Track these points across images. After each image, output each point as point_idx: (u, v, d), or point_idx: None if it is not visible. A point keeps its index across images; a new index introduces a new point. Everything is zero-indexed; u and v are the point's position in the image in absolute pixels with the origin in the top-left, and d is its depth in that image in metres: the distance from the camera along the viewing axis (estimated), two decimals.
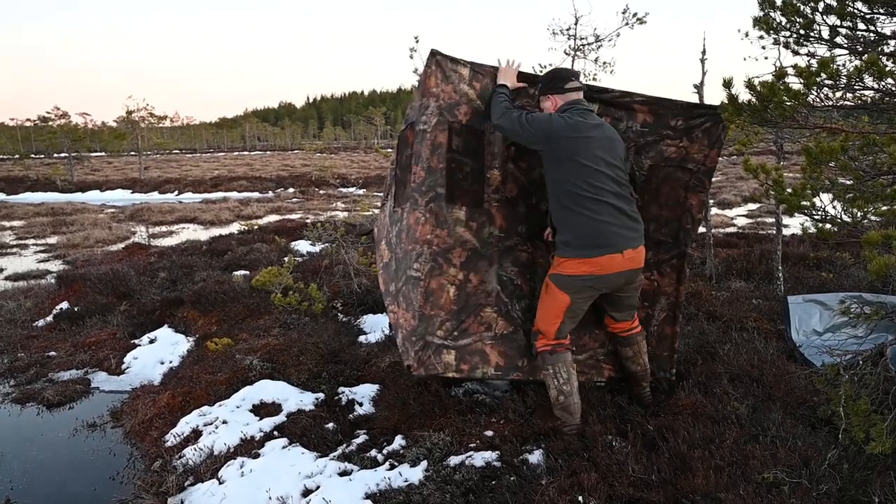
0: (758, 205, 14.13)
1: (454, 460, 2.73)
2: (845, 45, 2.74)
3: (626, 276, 2.87)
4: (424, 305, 2.94)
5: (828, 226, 2.64)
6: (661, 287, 3.30)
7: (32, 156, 48.30)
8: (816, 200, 2.63)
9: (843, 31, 2.72)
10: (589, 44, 5.92)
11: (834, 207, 2.64)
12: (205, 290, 6.00)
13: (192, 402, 3.84)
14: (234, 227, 12.73)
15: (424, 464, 2.74)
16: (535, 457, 2.72)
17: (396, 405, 3.36)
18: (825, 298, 4.10)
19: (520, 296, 3.18)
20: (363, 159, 40.66)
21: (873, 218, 2.69)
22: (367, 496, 2.61)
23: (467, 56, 3.03)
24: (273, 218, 14.45)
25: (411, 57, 5.74)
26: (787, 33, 2.82)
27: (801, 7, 2.70)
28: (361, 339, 4.74)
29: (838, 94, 2.42)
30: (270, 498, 2.73)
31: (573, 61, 5.94)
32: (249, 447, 3.20)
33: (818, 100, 2.40)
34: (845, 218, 2.60)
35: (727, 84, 2.59)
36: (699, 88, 5.45)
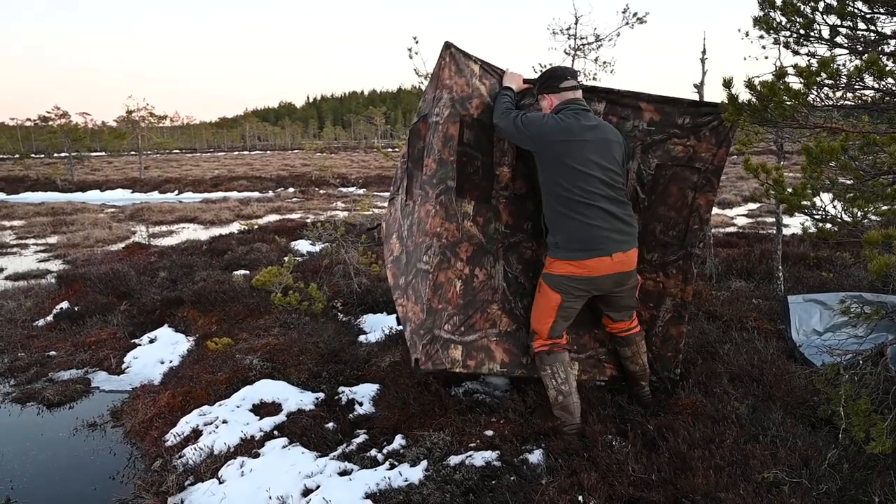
0: (758, 204, 14.14)
1: (454, 460, 2.73)
2: (845, 45, 2.74)
3: (615, 279, 2.86)
4: (433, 299, 2.94)
5: (828, 225, 2.64)
6: (666, 288, 3.26)
7: (32, 155, 48.41)
8: (817, 200, 2.63)
9: (844, 30, 2.72)
10: (589, 43, 5.93)
11: (834, 207, 2.64)
12: (205, 290, 6.00)
13: (193, 401, 3.84)
14: (235, 227, 12.73)
15: (424, 463, 2.74)
16: (535, 456, 2.72)
17: (396, 405, 3.36)
18: (825, 298, 4.10)
19: (522, 293, 3.18)
20: (363, 159, 40.68)
21: (873, 217, 2.68)
22: (367, 496, 2.61)
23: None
24: (273, 218, 14.46)
25: (410, 57, 5.74)
26: (788, 33, 2.82)
27: (802, 7, 2.70)
28: (361, 338, 4.73)
29: (838, 94, 2.42)
30: (270, 497, 2.73)
31: (573, 61, 5.94)
32: (249, 447, 3.20)
33: (818, 99, 2.40)
34: (845, 217, 2.60)
35: (727, 84, 2.59)
36: (699, 88, 5.45)
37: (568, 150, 2.77)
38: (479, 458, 2.72)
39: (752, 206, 14.51)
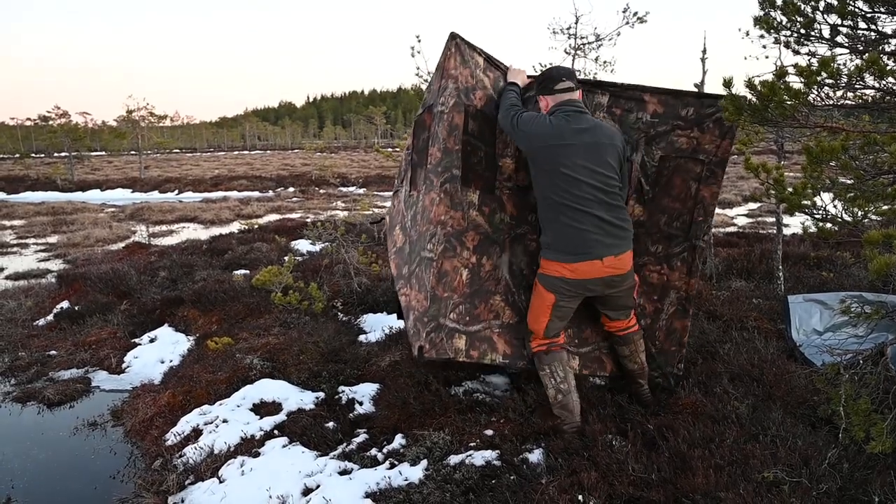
0: (758, 204, 14.16)
1: (454, 459, 2.73)
2: (846, 45, 2.74)
3: (607, 282, 2.86)
4: (437, 287, 2.93)
5: (828, 225, 2.64)
6: (670, 281, 3.27)
7: (33, 155, 48.46)
8: (817, 200, 2.63)
9: (844, 30, 2.72)
10: (589, 43, 5.92)
11: (835, 206, 2.64)
12: (205, 290, 6.00)
13: (193, 401, 3.84)
14: (235, 227, 12.74)
15: (424, 463, 2.74)
16: (535, 456, 2.72)
17: (396, 404, 3.36)
18: (825, 298, 4.09)
19: (525, 286, 3.18)
20: (363, 158, 40.67)
21: (874, 217, 2.68)
22: (368, 495, 2.61)
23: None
24: (273, 217, 14.46)
25: (413, 56, 5.74)
26: (788, 32, 2.81)
27: (802, 6, 2.70)
28: (361, 338, 4.74)
29: (839, 94, 2.42)
30: (271, 497, 2.74)
31: (573, 60, 5.94)
32: (250, 446, 3.20)
33: (819, 99, 2.40)
34: (846, 217, 2.60)
35: (727, 83, 2.59)
36: (700, 88, 5.45)
37: (557, 155, 2.77)
38: (479, 457, 2.72)
39: (753, 205, 14.53)
